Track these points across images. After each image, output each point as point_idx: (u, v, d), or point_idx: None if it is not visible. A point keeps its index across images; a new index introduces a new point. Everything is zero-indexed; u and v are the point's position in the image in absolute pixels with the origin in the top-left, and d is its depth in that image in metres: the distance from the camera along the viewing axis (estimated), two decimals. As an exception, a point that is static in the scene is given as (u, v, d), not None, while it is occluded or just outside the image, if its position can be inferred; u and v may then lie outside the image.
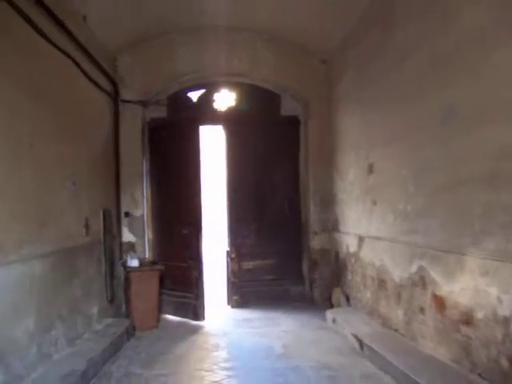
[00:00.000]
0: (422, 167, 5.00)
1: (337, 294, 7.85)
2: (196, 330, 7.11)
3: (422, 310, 4.99)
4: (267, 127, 8.63)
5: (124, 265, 7.45)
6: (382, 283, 6.07)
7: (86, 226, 6.29)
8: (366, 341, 5.55)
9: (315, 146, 8.41)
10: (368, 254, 6.56)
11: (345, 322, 6.46)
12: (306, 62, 8.49)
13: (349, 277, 7.40)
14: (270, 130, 8.63)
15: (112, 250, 7.37)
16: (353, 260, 7.18)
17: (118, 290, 7.54)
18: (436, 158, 4.71)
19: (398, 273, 5.58)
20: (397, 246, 5.59)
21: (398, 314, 5.57)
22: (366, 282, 6.62)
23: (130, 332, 6.72)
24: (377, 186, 6.22)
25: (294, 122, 8.71)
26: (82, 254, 6.13)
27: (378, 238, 6.16)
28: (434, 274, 4.73)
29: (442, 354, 4.55)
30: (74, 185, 5.93)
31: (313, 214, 8.39)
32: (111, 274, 7.22)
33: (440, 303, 4.61)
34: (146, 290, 7.20)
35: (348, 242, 7.41)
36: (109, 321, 6.75)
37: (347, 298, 7.47)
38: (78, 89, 6.33)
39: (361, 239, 6.82)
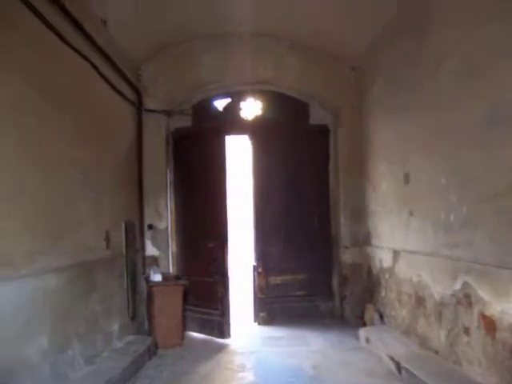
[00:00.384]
0: (465, 175, 4.57)
1: (370, 312, 7.40)
2: (221, 349, 6.74)
3: (467, 331, 4.53)
4: (295, 136, 8.28)
5: (147, 279, 7.13)
6: (420, 300, 5.61)
7: (107, 238, 6.00)
8: (404, 363, 5.10)
9: (345, 155, 8.02)
10: (404, 270, 6.11)
11: (379, 342, 6.01)
12: (334, 69, 8.12)
13: (382, 293, 6.94)
14: (298, 139, 8.27)
15: (134, 264, 7.06)
16: (387, 275, 6.74)
17: (140, 306, 7.23)
18: (481, 165, 4.28)
19: (438, 290, 5.12)
20: (437, 261, 5.15)
21: (439, 335, 5.11)
22: (402, 299, 6.17)
23: (153, 350, 6.38)
24: (414, 196, 5.79)
25: (323, 131, 8.33)
26: (102, 267, 5.83)
27: (416, 252, 5.72)
28: (482, 292, 4.27)
29: (494, 382, 4.08)
30: (92, 193, 5.65)
31: (343, 227, 7.97)
32: (133, 289, 6.91)
33: (490, 324, 4.14)
34: (169, 306, 6.86)
35: (381, 257, 6.97)
36: (130, 338, 6.42)
37: (381, 316, 7.00)
38: (102, 96, 6.12)
39: (396, 253, 6.37)
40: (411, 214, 5.83)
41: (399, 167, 6.19)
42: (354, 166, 7.93)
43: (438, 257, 5.13)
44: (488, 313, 4.18)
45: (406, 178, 5.97)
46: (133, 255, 7.01)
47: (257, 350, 6.59)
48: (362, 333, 6.63)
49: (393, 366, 5.32)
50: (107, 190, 6.08)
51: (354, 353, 6.27)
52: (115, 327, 6.11)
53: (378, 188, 7.11)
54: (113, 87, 6.45)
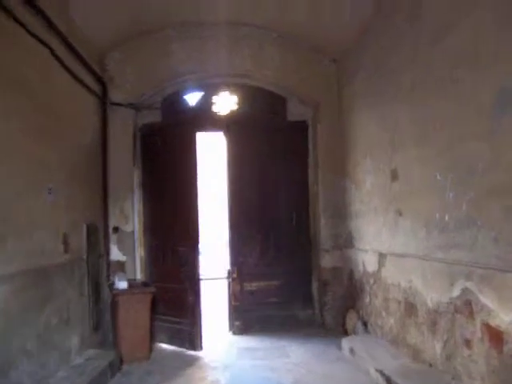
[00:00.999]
0: (464, 169, 4.07)
1: (352, 320, 6.89)
2: (193, 362, 6.13)
3: (468, 343, 4.02)
4: (272, 133, 7.73)
5: (111, 287, 6.49)
6: (410, 308, 5.11)
7: (65, 241, 5.35)
8: (396, 378, 4.57)
9: (325, 152, 7.51)
10: (391, 274, 5.61)
11: (365, 353, 5.48)
12: (315, 62, 7.61)
13: (366, 300, 6.44)
14: (275, 136, 7.72)
15: (97, 270, 6.41)
16: (371, 280, 6.23)
17: (105, 316, 6.57)
18: (485, 157, 3.79)
19: (432, 296, 4.62)
20: (431, 265, 4.65)
21: (433, 346, 4.60)
22: (389, 307, 5.67)
23: (116, 365, 5.73)
24: (403, 194, 5.30)
25: (301, 128, 7.83)
26: (59, 274, 5.18)
27: (405, 255, 5.22)
28: (486, 300, 3.77)
29: (502, 401, 3.59)
30: (49, 193, 5.01)
31: (323, 229, 7.45)
32: (96, 297, 6.25)
33: (495, 336, 3.64)
34: (135, 316, 6.23)
35: (365, 260, 6.46)
36: (92, 353, 5.76)
37: (364, 324, 6.49)
38: (61, 87, 5.50)
39: (382, 256, 5.87)
40: (400, 213, 5.34)
41: (385, 163, 5.71)
42: (334, 163, 7.43)
43: (431, 260, 4.63)
44: (493, 323, 3.67)
45: (394, 175, 5.48)
46: (96, 260, 6.36)
47: (232, 364, 6.00)
48: (346, 343, 6.11)
49: (382, 381, 4.80)
50: (65, 190, 5.43)
51: (337, 365, 5.73)
52: (74, 341, 5.45)
53: (361, 186, 6.61)
54: (74, 76, 5.83)
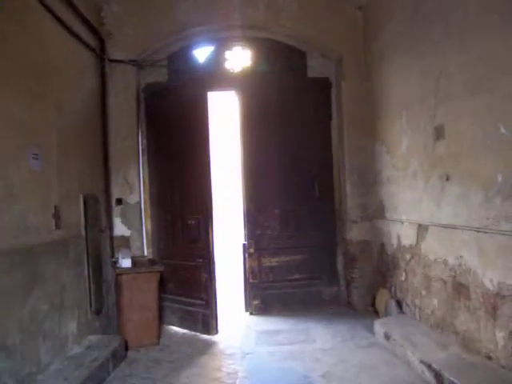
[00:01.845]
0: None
1: (383, 298, 6.10)
2: (207, 349, 5.40)
3: (545, 335, 3.21)
4: (291, 91, 6.83)
5: (114, 265, 5.74)
6: (460, 289, 4.28)
7: (57, 215, 4.58)
8: (449, 374, 3.76)
9: (351, 112, 6.61)
10: (434, 249, 4.77)
11: (404, 340, 4.69)
12: (338, 10, 6.65)
13: (401, 277, 5.62)
14: (294, 95, 6.83)
15: (98, 247, 5.65)
16: (408, 256, 5.41)
17: (108, 298, 5.85)
18: None
19: (492, 277, 3.79)
20: (491, 238, 3.80)
21: (493, 336, 3.79)
22: (431, 286, 4.85)
23: (121, 354, 5.03)
24: (451, 155, 4.41)
25: (323, 85, 6.92)
26: (50, 253, 4.43)
27: (454, 227, 4.37)
28: None
29: None
30: (35, 159, 4.22)
31: (350, 198, 6.60)
32: (98, 277, 5.50)
33: None
34: (141, 297, 5.50)
35: (400, 233, 5.63)
36: (92, 340, 5.05)
37: (399, 304, 5.70)
38: (53, 40, 4.70)
39: (422, 228, 5.04)
40: (447, 177, 4.46)
41: (427, 120, 4.81)
42: (361, 124, 6.54)
43: (492, 233, 3.78)
44: None
45: (438, 133, 4.59)
46: (96, 236, 5.60)
47: (251, 351, 5.26)
48: (379, 325, 5.32)
49: (429, 376, 4.01)
50: (56, 156, 4.65)
51: (372, 352, 4.96)
52: (71, 328, 4.73)
53: (394, 149, 5.73)
54: (66, 28, 5.01)
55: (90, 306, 5.29)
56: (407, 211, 5.41)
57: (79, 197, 5.21)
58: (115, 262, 5.72)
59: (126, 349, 5.30)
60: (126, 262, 5.53)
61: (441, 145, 4.57)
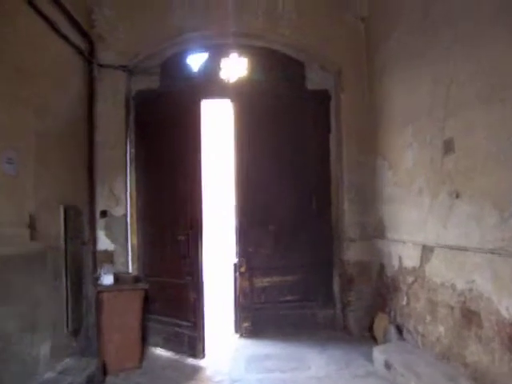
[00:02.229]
0: None
1: (382, 323, 5.70)
2: (193, 374, 4.98)
3: None
4: (288, 103, 6.49)
5: (95, 282, 5.33)
6: (470, 316, 3.91)
7: (32, 225, 4.18)
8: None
9: (350, 126, 6.28)
10: (441, 272, 4.41)
11: (408, 371, 4.29)
12: (339, 20, 6.36)
13: (402, 301, 5.25)
14: (291, 107, 6.49)
15: (79, 262, 5.25)
16: (410, 278, 5.04)
17: (88, 317, 5.41)
18: None
19: (509, 304, 3.43)
20: (507, 262, 3.44)
21: (509, 371, 3.41)
22: (437, 312, 4.47)
23: (98, 379, 4.61)
24: (461, 170, 4.08)
25: (322, 98, 6.59)
26: (23, 266, 4.03)
27: (464, 249, 4.01)
28: None
29: None
30: (9, 163, 3.85)
31: (348, 215, 6.24)
32: (77, 293, 5.10)
33: None
34: (123, 317, 5.10)
35: (402, 254, 5.26)
36: (69, 362, 4.63)
37: (399, 330, 5.31)
38: (32, 36, 4.33)
39: (427, 250, 4.67)
40: (456, 195, 4.11)
41: (435, 133, 4.48)
42: (362, 139, 6.21)
43: (507, 255, 3.43)
44: None
45: (448, 146, 4.25)
46: (77, 250, 5.21)
47: (239, 378, 4.84)
48: (378, 353, 4.92)
49: (435, 411, 3.62)
50: (33, 162, 4.28)
51: (370, 383, 4.57)
52: (43, 350, 4.30)
53: (397, 164, 5.39)
54: (54, 29, 4.70)
55: (67, 324, 4.86)
56: (410, 231, 5.06)
57: (59, 207, 4.82)
58: (97, 278, 5.31)
59: (105, 373, 4.88)
60: (107, 279, 5.13)
61: (450, 159, 4.23)
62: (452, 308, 4.19)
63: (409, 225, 5.10)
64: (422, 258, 4.77)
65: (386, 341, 5.45)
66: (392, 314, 5.55)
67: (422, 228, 4.77)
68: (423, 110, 4.73)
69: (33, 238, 4.19)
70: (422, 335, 4.78)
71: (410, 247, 5.04)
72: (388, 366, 4.62)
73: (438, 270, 4.45)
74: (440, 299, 4.41)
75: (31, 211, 4.18)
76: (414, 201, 4.95)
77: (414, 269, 4.96)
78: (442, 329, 4.39)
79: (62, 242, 4.83)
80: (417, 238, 4.89)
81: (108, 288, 5.09)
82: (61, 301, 4.75)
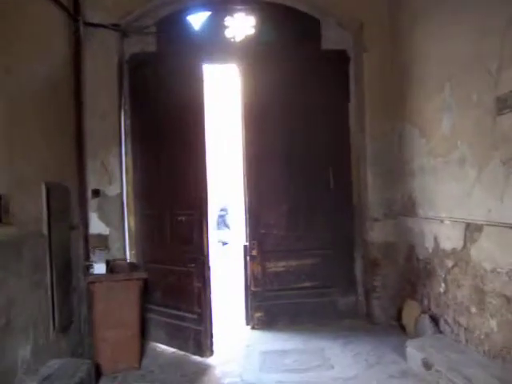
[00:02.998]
0: None
1: (412, 312, 4.98)
2: (199, 376, 4.29)
3: None
4: (302, 66, 5.68)
5: (86, 271, 4.61)
6: (535, 310, 3.18)
7: (3, 207, 3.44)
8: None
9: (374, 90, 5.48)
10: (493, 255, 3.64)
11: (455, 374, 3.54)
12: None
13: (439, 288, 4.51)
14: (305, 71, 5.68)
15: (67, 249, 4.53)
16: (449, 262, 4.29)
17: (80, 311, 4.73)
18: None
19: None
20: None
21: None
22: (486, 302, 3.73)
23: (90, 382, 3.90)
24: (523, 132, 3.31)
25: (340, 59, 5.78)
26: (-7, 256, 3.31)
27: (526, 228, 3.26)
28: None
29: None
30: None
31: (372, 192, 5.48)
32: (65, 286, 4.39)
33: None
34: (119, 311, 4.39)
35: (438, 233, 4.51)
36: (56, 365, 3.90)
37: (434, 321, 4.58)
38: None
39: (472, 228, 3.91)
40: (515, 163, 3.35)
41: (483, 89, 3.68)
42: (387, 105, 5.44)
43: None
44: None
45: (502, 104, 3.46)
46: (65, 235, 4.50)
47: (254, 380, 4.14)
48: (413, 349, 4.19)
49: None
50: (3, 129, 3.52)
51: (408, 387, 3.87)
52: (22, 354, 3.58)
53: (431, 131, 4.61)
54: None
55: (54, 322, 4.15)
56: (450, 207, 4.29)
57: (40, 185, 4.07)
58: (87, 267, 4.59)
59: (99, 375, 4.19)
60: (99, 267, 4.43)
61: (505, 120, 3.44)
62: (508, 299, 3.45)
63: (447, 200, 4.32)
64: (465, 238, 4.02)
65: (418, 332, 4.74)
66: (425, 302, 4.82)
67: (466, 203, 4.00)
68: (467, 64, 3.92)
69: (6, 222, 3.45)
70: (466, 329, 4.04)
71: (450, 226, 4.28)
72: (427, 365, 3.89)
73: (489, 252, 3.69)
74: (490, 288, 3.67)
75: (2, 190, 3.43)
76: (455, 172, 4.17)
77: (454, 251, 4.21)
78: (493, 323, 3.65)
79: (44, 226, 4.09)
80: (458, 214, 4.13)
81: (100, 278, 4.37)
82: (44, 295, 4.02)
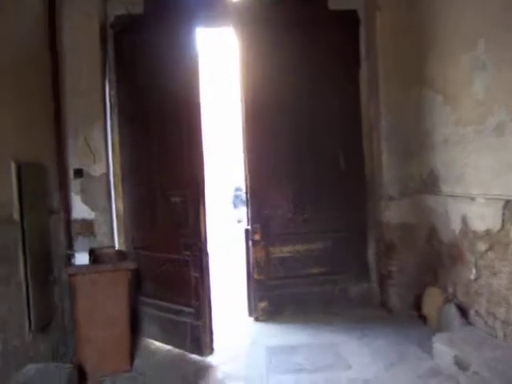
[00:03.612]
0: None
1: (435, 301, 4.41)
2: (197, 378, 3.71)
3: None
4: (306, 29, 5.02)
5: (67, 261, 4.00)
6: None
7: (-41, 190, 2.83)
8: None
9: (389, 54, 4.83)
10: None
11: (499, 378, 2.99)
12: None
13: (469, 275, 3.92)
14: (310, 34, 5.03)
15: (45, 236, 3.93)
16: (483, 246, 3.70)
17: (63, 307, 4.13)
18: None
19: None
20: None
21: None
22: (531, 292, 3.16)
23: (71, 393, 3.32)
24: None
25: (349, 21, 5.13)
26: None
27: None
28: None
29: None
30: None
31: (386, 168, 4.86)
32: (43, 279, 3.78)
33: None
34: (105, 307, 3.80)
35: (468, 213, 3.91)
36: (31, 372, 3.30)
37: (462, 311, 4.01)
38: None
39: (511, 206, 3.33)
40: None
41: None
42: (403, 70, 4.80)
43: None
44: None
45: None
46: (42, 221, 3.89)
47: (261, 382, 3.57)
48: (443, 345, 3.61)
49: None
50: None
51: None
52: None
53: (458, 97, 3.98)
54: None
55: (30, 322, 3.55)
56: (484, 182, 3.68)
57: (9, 164, 3.44)
58: (69, 257, 3.98)
59: (84, 380, 3.61)
60: (81, 257, 3.80)
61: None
62: None
63: (480, 174, 3.71)
64: (503, 217, 3.42)
65: (441, 324, 4.17)
66: (450, 290, 4.25)
67: (505, 177, 3.40)
68: (507, 15, 3.28)
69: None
70: (504, 322, 3.47)
71: (483, 204, 3.68)
72: (462, 365, 3.32)
73: (536, 234, 3.10)
74: (538, 275, 3.09)
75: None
76: (490, 142, 3.56)
77: (488, 233, 3.62)
78: (542, 316, 3.07)
79: (15, 211, 3.47)
80: (495, 190, 3.52)
81: (82, 270, 3.75)
82: (16, 291, 3.42)
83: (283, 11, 5.00)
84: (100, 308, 3.77)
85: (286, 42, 5.01)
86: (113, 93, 4.86)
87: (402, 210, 4.84)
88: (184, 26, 4.34)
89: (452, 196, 4.16)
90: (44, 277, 3.84)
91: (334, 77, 5.08)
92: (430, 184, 4.55)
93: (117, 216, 4.78)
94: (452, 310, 4.07)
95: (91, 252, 4.01)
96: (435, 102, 4.35)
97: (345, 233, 5.08)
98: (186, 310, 4.20)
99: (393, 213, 4.85)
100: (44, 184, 4.01)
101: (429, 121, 4.48)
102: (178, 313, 4.27)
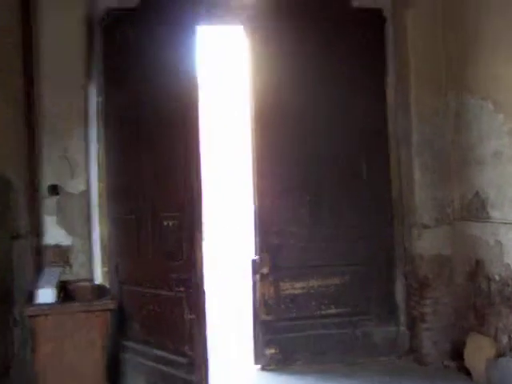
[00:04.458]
0: None
1: (482, 351, 3.58)
2: None
3: None
4: (325, 29, 4.30)
5: (29, 299, 3.20)
6: None
7: None
8: None
9: (422, 57, 4.12)
10: None
11: None
12: None
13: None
14: (330, 35, 4.30)
15: (6, 266, 3.16)
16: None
17: (25, 355, 3.32)
18: None
19: None
20: None
21: None
22: None
23: None
24: None
25: (374, 20, 4.40)
26: None
27: None
28: None
29: None
30: None
31: (419, 189, 4.08)
32: (0, 320, 2.99)
33: None
34: (73, 356, 2.99)
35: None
36: None
37: (521, 366, 3.18)
38: None
39: None
40: None
41: None
42: (439, 75, 4.10)
43: None
44: None
45: None
46: (2, 246, 3.11)
47: None
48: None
49: None
50: None
51: None
52: None
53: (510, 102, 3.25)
54: None
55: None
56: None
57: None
58: (31, 293, 3.17)
59: None
60: (44, 294, 2.97)
61: None
62: None
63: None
64: None
65: (493, 380, 3.34)
66: (503, 339, 3.41)
67: None
68: None
69: None
70: None
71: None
72: None
73: None
74: None
75: None
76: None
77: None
78: None
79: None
80: None
81: (45, 310, 2.94)
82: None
83: (299, 9, 4.31)
84: (67, 357, 2.96)
85: (301, 41, 4.29)
86: (99, 97, 4.12)
87: (438, 240, 4.05)
88: (184, 24, 3.65)
89: (505, 223, 3.36)
90: (2, 318, 3.06)
91: (357, 82, 4.33)
92: (474, 208, 3.76)
93: (101, 242, 3.98)
94: (508, 364, 3.25)
95: (63, 286, 3.21)
96: (483, 110, 3.60)
97: (367, 265, 4.26)
98: (178, 359, 3.36)
99: (427, 243, 4.05)
100: (6, 201, 3.26)
101: (475, 132, 3.72)
102: (168, 363, 3.43)
